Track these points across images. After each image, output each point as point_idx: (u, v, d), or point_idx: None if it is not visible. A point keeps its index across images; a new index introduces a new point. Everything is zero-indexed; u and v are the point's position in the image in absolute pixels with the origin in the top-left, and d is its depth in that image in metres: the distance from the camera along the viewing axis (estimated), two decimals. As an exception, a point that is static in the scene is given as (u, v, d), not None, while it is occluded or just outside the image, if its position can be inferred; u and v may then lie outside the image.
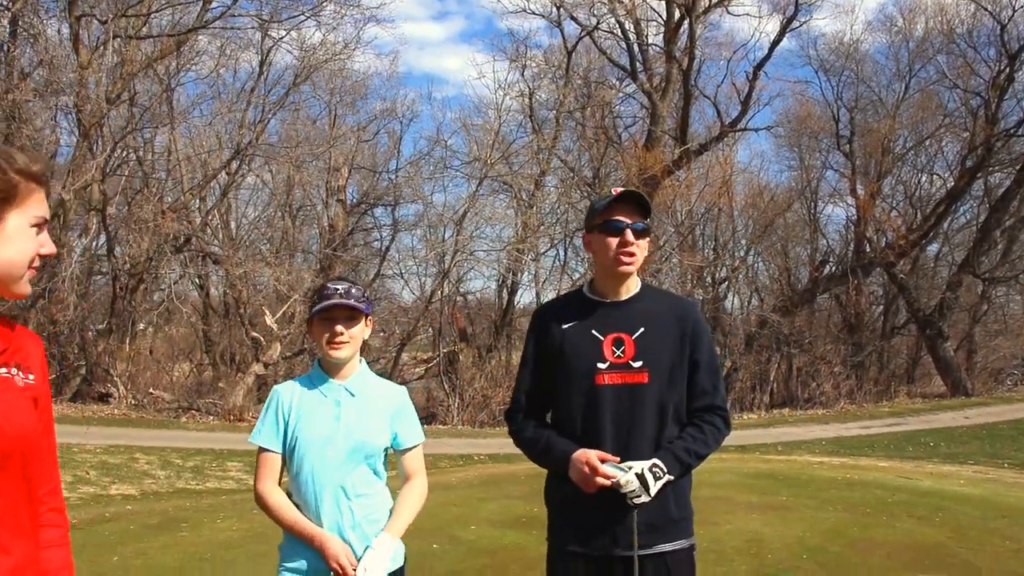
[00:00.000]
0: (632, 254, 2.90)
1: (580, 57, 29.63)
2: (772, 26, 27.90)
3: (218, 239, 27.31)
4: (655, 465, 2.77)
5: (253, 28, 22.95)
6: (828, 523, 7.73)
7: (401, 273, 32.03)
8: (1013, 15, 28.29)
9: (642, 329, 2.91)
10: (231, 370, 26.08)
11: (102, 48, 19.90)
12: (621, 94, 30.36)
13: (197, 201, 25.42)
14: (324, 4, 22.90)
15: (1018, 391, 31.22)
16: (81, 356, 22.84)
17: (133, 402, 22.57)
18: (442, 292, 27.13)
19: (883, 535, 7.28)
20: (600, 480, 2.73)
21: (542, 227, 27.33)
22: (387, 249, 31.53)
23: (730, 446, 18.08)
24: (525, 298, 30.76)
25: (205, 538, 7.70)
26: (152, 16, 22.19)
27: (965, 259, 30.20)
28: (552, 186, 29.38)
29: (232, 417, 20.79)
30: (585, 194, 28.34)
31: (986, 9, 28.96)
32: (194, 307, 30.98)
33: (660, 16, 28.04)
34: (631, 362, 2.89)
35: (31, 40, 21.13)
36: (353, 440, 2.87)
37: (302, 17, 23.05)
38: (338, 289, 2.95)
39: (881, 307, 34.00)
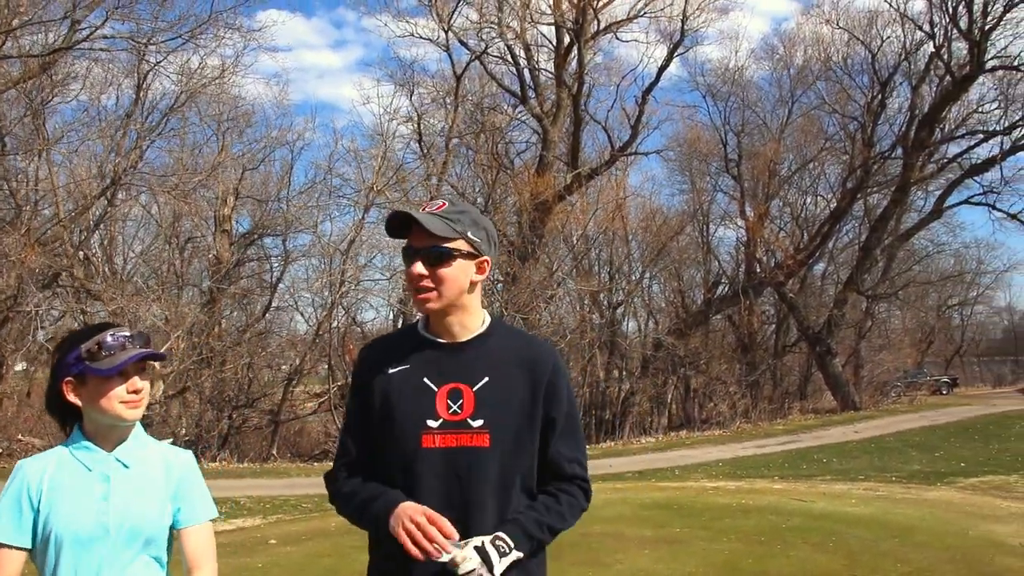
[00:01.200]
0: (427, 288, 2.31)
1: (473, 83, 29.48)
2: (660, 52, 28.27)
3: (99, 273, 25.93)
4: (498, 539, 2.22)
5: (124, 51, 21.88)
6: (722, 556, 7.45)
7: (295, 305, 31.10)
8: (882, 44, 29.54)
9: (486, 379, 2.33)
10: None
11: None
12: (513, 120, 30.25)
13: (76, 233, 24.04)
14: (201, 28, 21.89)
15: (901, 403, 32.33)
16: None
17: (1, 450, 21.04)
18: (331, 324, 26.25)
19: (778, 567, 7.02)
20: (425, 546, 2.14)
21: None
22: (278, 280, 30.67)
23: (627, 472, 17.90)
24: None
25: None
26: (17, 36, 20.91)
27: (849, 277, 31.12)
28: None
29: (106, 462, 19.44)
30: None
31: (859, 39, 30.10)
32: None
33: (550, 41, 28.11)
34: (469, 420, 2.30)
35: None
36: (128, 524, 2.29)
37: (179, 40, 22.07)
38: (127, 336, 2.38)
39: (773, 326, 34.69)
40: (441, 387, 2.32)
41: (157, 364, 2.50)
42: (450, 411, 2.30)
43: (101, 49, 20.98)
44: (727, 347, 33.55)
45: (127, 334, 2.39)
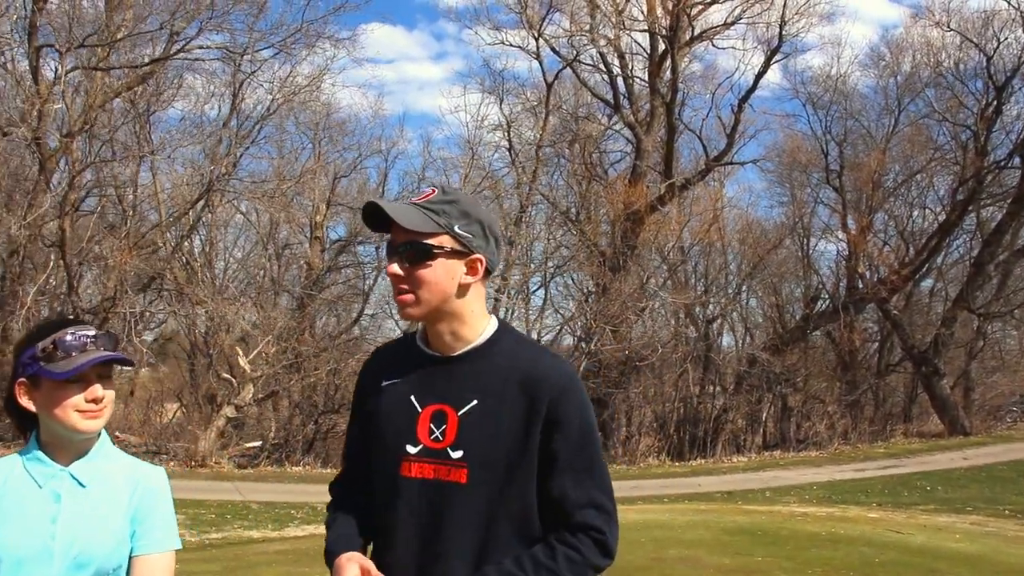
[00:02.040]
0: (404, 291, 2.00)
1: (566, 91, 29.17)
2: (757, 59, 27.33)
3: (196, 278, 26.57)
4: None
5: (217, 60, 22.33)
6: (804, 592, 6.83)
7: (390, 312, 31.27)
8: (999, 47, 27.83)
9: (474, 402, 2.00)
10: (211, 412, 25.18)
11: (61, 80, 19.19)
12: (607, 129, 29.82)
13: (172, 238, 24.67)
14: (293, 38, 22.21)
15: (1018, 429, 30.35)
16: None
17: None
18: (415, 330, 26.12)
19: (865, 607, 6.37)
20: None
21: (517, 263, 26.51)
22: (371, 288, 30.98)
23: (716, 492, 17.18)
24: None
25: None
26: (120, 48, 21.56)
27: (959, 294, 29.39)
28: (541, 223, 28.69)
29: (193, 463, 19.79)
30: (567, 229, 27.68)
31: (972, 42, 28.47)
32: (180, 347, 30.17)
33: (644, 49, 27.53)
34: (449, 450, 1.98)
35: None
36: (76, 551, 2.00)
37: (272, 50, 22.44)
38: (90, 336, 2.07)
39: (875, 344, 33.15)
40: (426, 408, 2.02)
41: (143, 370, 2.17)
42: (431, 436, 2.00)
43: (196, 59, 21.37)
44: (826, 365, 32.21)
45: (90, 334, 2.08)
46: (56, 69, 19.54)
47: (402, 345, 2.20)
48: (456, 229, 1.99)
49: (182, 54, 21.11)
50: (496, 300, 26.89)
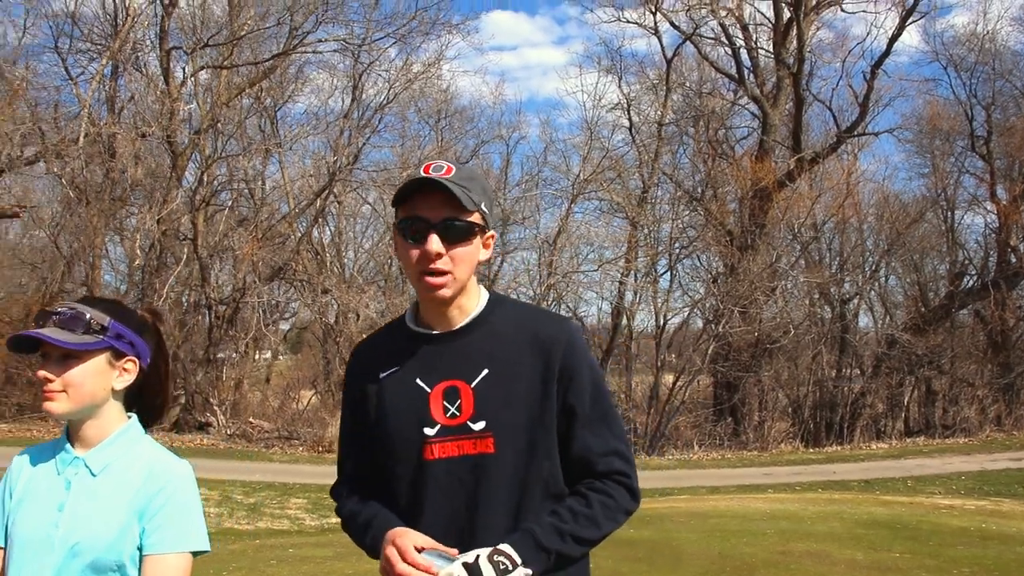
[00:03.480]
0: (442, 272, 1.94)
1: (690, 69, 28.37)
2: (891, 21, 25.75)
3: (325, 268, 27.20)
4: (499, 552, 1.84)
5: (335, 51, 22.65)
6: (948, 595, 6.20)
7: (517, 298, 31.19)
8: None
9: (485, 371, 1.98)
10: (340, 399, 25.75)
11: (190, 79, 19.88)
12: (731, 104, 28.80)
13: (300, 229, 25.31)
14: (407, 26, 22.31)
15: None
16: (181, 385, 22.76)
17: (234, 431, 22.36)
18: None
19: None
20: (405, 571, 1.83)
21: (642, 245, 25.93)
22: (496, 274, 31.08)
23: (852, 481, 16.29)
24: (645, 322, 29.20)
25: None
26: (243, 46, 22.16)
27: None
28: (666, 203, 27.99)
29: (321, 448, 20.21)
30: (693, 208, 26.88)
31: None
32: (314, 335, 31.08)
33: (768, 19, 26.40)
34: (470, 423, 1.95)
35: (128, 76, 21.48)
36: (75, 541, 1.91)
37: (388, 40, 22.60)
38: (53, 313, 1.96)
39: (1031, 322, 30.92)
40: (435, 386, 1.99)
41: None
42: (448, 414, 1.97)
43: (315, 52, 21.73)
44: (975, 346, 30.19)
45: (56, 310, 1.98)
46: (184, 70, 20.20)
47: (389, 332, 2.17)
48: (483, 206, 1.99)
49: (301, 48, 21.41)
50: (622, 284, 26.45)
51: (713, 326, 24.95)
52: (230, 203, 25.36)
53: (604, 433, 2.02)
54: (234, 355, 23.52)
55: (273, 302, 24.36)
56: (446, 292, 1.96)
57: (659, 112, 26.59)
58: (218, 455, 18.96)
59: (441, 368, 1.99)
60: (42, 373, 1.95)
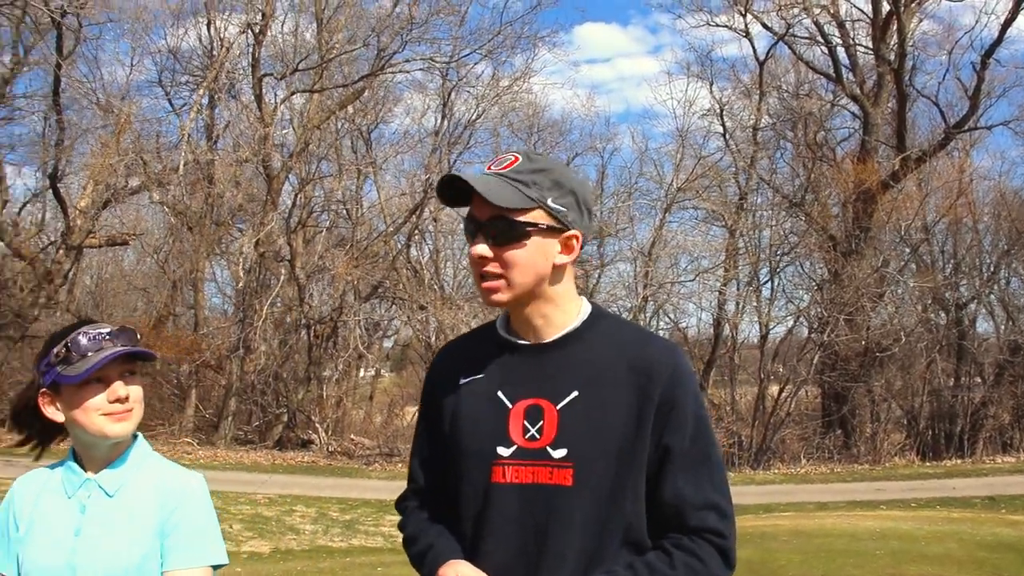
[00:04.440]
0: (494, 275, 1.77)
1: (784, 71, 27.61)
2: (1003, 6, 24.42)
3: (423, 285, 27.51)
4: None
5: (422, 70, 22.94)
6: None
7: (617, 310, 31.04)
8: None
9: (574, 394, 1.76)
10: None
11: (281, 105, 20.45)
12: (830, 104, 27.88)
13: (396, 248, 25.69)
14: (494, 41, 22.42)
15: None
16: (282, 404, 23.32)
17: (335, 448, 22.74)
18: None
19: None
20: None
21: (743, 252, 25.31)
22: (595, 286, 30.94)
23: (974, 497, 15.33)
24: (747, 332, 28.50)
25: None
26: (335, 68, 22.69)
27: None
28: (765, 210, 27.31)
29: (417, 465, 20.31)
30: (793, 214, 26.10)
31: None
32: (416, 352, 31.52)
33: (865, 14, 25.43)
34: (549, 449, 1.75)
35: (224, 104, 22.28)
36: (100, 567, 1.88)
37: (475, 56, 22.78)
38: (104, 333, 1.93)
39: None
40: (517, 403, 1.79)
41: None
42: (527, 435, 1.77)
43: (401, 72, 22.04)
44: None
45: (105, 331, 1.94)
46: (275, 96, 20.80)
47: (478, 337, 1.97)
48: (550, 203, 1.76)
49: (389, 69, 21.76)
50: (720, 293, 25.87)
51: (818, 335, 24.13)
52: (328, 224, 25.96)
53: (702, 481, 1.77)
54: (335, 373, 23.94)
55: (372, 320, 24.71)
56: (500, 297, 1.78)
57: (754, 116, 25.93)
58: (318, 472, 19.28)
59: (527, 383, 1.80)
60: (122, 392, 1.92)
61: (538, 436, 1.75)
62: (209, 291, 30.76)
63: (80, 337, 1.92)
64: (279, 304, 23.42)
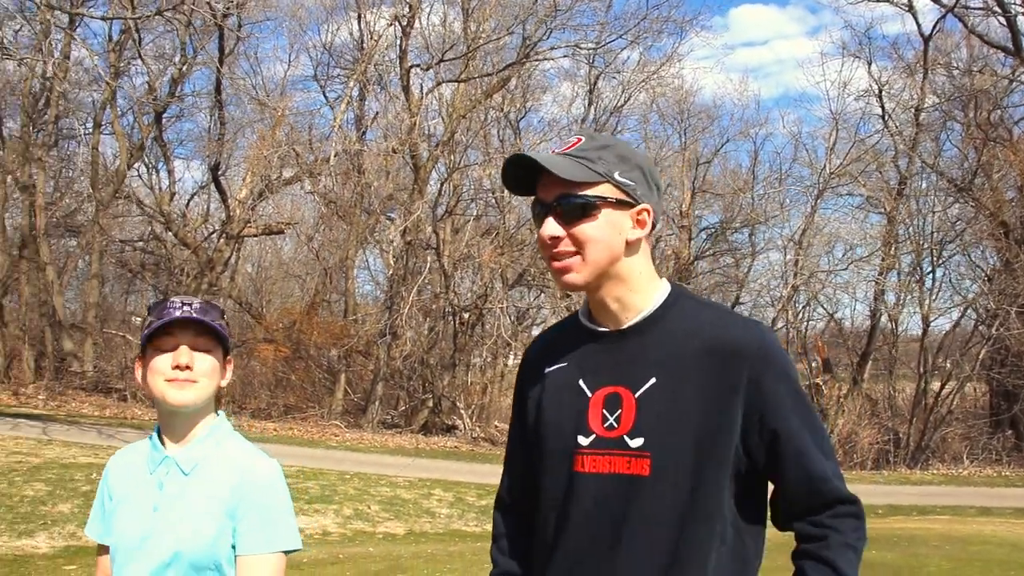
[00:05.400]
0: (567, 253, 1.73)
1: (956, 47, 25.93)
2: None
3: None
4: None
5: (567, 57, 22.84)
6: None
7: (771, 300, 30.25)
8: None
9: (653, 380, 1.72)
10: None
11: (428, 95, 20.85)
12: (1010, 80, 25.92)
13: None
14: (640, 26, 22.04)
15: None
16: (428, 389, 23.87)
17: (478, 435, 23.11)
18: (788, 319, 24.76)
19: None
20: None
21: (904, 240, 23.96)
22: (745, 276, 30.17)
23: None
24: (906, 323, 27.05)
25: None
26: (481, 58, 22.92)
27: None
28: (930, 195, 25.80)
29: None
30: (961, 200, 24.50)
31: None
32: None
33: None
34: (627, 438, 1.71)
35: (373, 96, 22.94)
36: (172, 543, 1.92)
37: (623, 43, 22.50)
38: (182, 304, 1.98)
39: None
40: (597, 391, 1.76)
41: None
42: (605, 424, 1.74)
43: (546, 59, 22.00)
44: None
45: (187, 302, 1.98)
46: (422, 86, 21.21)
47: (564, 326, 1.94)
48: (617, 176, 1.72)
49: (534, 57, 21.78)
50: (877, 283, 24.64)
51: (987, 328, 22.64)
52: (476, 213, 26.33)
53: (816, 454, 1.72)
54: (480, 360, 24.28)
55: (519, 308, 24.91)
56: (575, 278, 1.73)
57: (916, 96, 24.44)
58: (460, 457, 19.61)
59: (606, 371, 1.76)
60: (184, 359, 1.94)
61: (616, 425, 1.72)
62: (362, 279, 31.90)
63: (166, 304, 1.97)
64: (427, 291, 23.94)
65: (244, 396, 23.40)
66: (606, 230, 1.71)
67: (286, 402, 22.98)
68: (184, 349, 1.93)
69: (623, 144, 1.80)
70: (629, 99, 24.36)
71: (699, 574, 1.68)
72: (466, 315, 23.62)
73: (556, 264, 1.73)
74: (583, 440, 1.74)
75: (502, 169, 1.78)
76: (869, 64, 25.13)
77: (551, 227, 1.71)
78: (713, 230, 30.87)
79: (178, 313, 1.93)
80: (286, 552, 1.96)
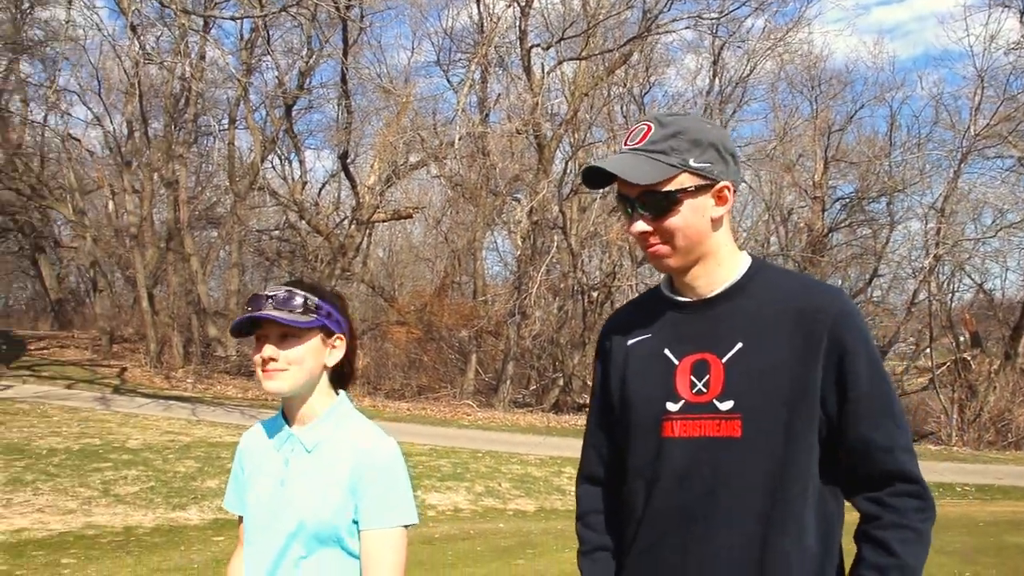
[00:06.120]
0: (656, 243, 1.82)
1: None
2: None
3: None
4: None
5: (689, 28, 22.27)
6: None
7: (912, 272, 28.96)
8: None
9: (739, 345, 1.78)
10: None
11: (549, 74, 20.77)
12: None
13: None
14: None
15: None
16: (558, 368, 23.91)
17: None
18: (930, 291, 23.57)
19: None
20: None
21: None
22: (884, 247, 28.93)
23: None
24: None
25: (530, 570, 7.06)
26: (602, 34, 22.68)
27: None
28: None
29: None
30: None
31: None
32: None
33: None
34: (716, 402, 1.77)
35: (495, 78, 22.99)
36: (298, 516, 2.02)
37: (747, 9, 21.76)
38: (268, 296, 2.04)
39: None
40: (683, 358, 1.83)
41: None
42: (694, 390, 1.80)
43: (668, 32, 21.55)
44: None
45: (269, 293, 2.05)
46: (543, 66, 21.13)
47: (644, 300, 2.01)
48: (692, 163, 1.77)
49: (655, 30, 21.37)
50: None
51: None
52: (603, 191, 26.10)
53: (886, 423, 1.73)
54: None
55: (648, 286, 24.69)
56: (670, 263, 1.83)
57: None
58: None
59: (691, 339, 1.83)
60: (267, 353, 2.02)
61: (705, 390, 1.77)
62: (490, 260, 32.17)
63: (251, 299, 2.05)
64: (555, 271, 23.94)
65: (379, 377, 24.02)
66: (691, 217, 1.78)
67: (419, 383, 23.45)
68: (268, 346, 2.02)
69: (694, 123, 1.81)
70: (755, 68, 23.65)
71: (796, 534, 1.71)
72: (595, 293, 23.51)
73: (651, 250, 1.82)
74: (672, 406, 1.79)
75: (582, 177, 1.85)
76: (1021, 14, 23.52)
77: (639, 225, 1.79)
78: (848, 200, 29.80)
79: (252, 310, 2.00)
80: (405, 527, 2.03)
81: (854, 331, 1.74)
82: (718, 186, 1.80)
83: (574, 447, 16.68)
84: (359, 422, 2.11)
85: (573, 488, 7.90)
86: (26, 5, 25.45)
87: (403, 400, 21.89)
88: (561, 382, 23.36)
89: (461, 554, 7.82)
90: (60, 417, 15.42)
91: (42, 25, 26.64)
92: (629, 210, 1.81)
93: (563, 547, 8.18)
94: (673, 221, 1.77)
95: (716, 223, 1.82)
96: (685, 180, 1.77)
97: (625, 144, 1.82)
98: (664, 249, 1.80)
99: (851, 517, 1.77)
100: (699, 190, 1.78)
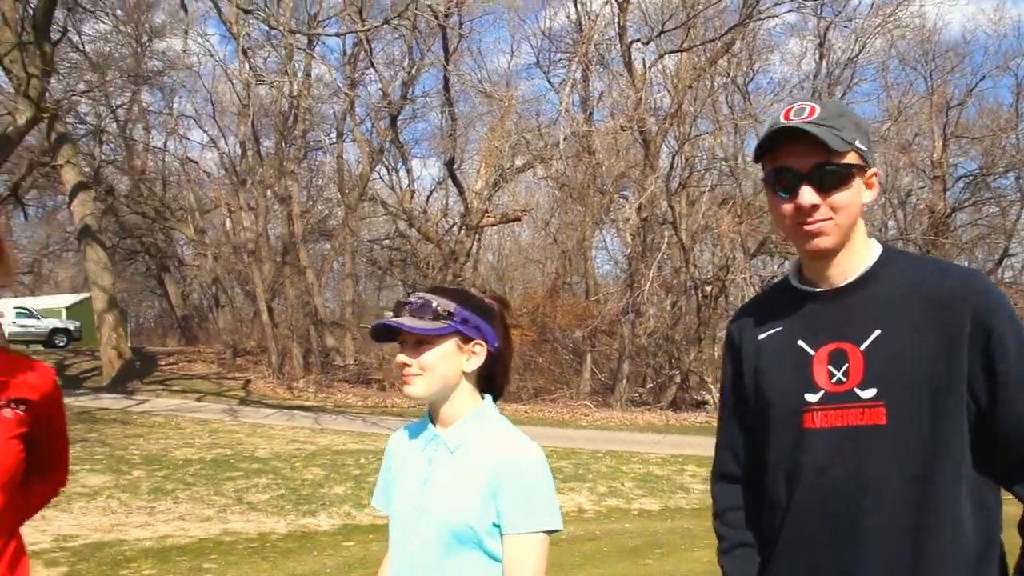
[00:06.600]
0: (820, 220, 1.75)
1: None
2: None
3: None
4: None
5: (792, 11, 21.66)
6: None
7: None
8: None
9: (877, 332, 1.74)
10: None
11: (650, 69, 20.53)
12: None
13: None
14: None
15: None
16: (675, 365, 23.61)
17: (729, 410, 22.64)
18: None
19: None
20: None
21: None
22: (1014, 224, 27.60)
23: None
24: None
25: (659, 570, 6.97)
26: (703, 25, 22.30)
27: None
28: None
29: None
30: None
31: None
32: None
33: None
34: (857, 390, 1.72)
35: (596, 76, 22.88)
36: (439, 516, 2.05)
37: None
38: (406, 303, 2.12)
39: None
40: (819, 349, 1.79)
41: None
42: (833, 380, 1.76)
43: (770, 16, 21.06)
44: None
45: (411, 300, 2.12)
46: (644, 60, 20.92)
47: (772, 293, 2.00)
48: (857, 143, 1.76)
49: (758, 16, 20.90)
50: None
51: None
52: (711, 183, 25.69)
53: None
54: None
55: (763, 277, 24.17)
56: (827, 241, 1.77)
57: None
58: (712, 432, 19.08)
59: (826, 329, 1.79)
60: (401, 358, 2.09)
61: (844, 379, 1.74)
62: (600, 259, 32.02)
63: (398, 302, 2.11)
64: (667, 267, 23.66)
65: (495, 381, 24.13)
66: (855, 196, 1.75)
67: (535, 384, 23.49)
68: (402, 354, 2.08)
69: (848, 109, 1.82)
70: (864, 47, 22.81)
71: (951, 524, 1.65)
72: (708, 288, 23.10)
73: (809, 228, 1.75)
74: (811, 397, 1.75)
75: (764, 137, 1.77)
76: None
77: (809, 195, 1.72)
78: (972, 178, 28.60)
79: (380, 321, 2.07)
80: (548, 532, 2.02)
81: (998, 311, 1.69)
82: (870, 171, 1.80)
83: (695, 444, 16.43)
84: (502, 427, 2.12)
85: (696, 486, 7.85)
86: (145, 38, 26.63)
87: (520, 403, 21.95)
88: (678, 379, 23.03)
89: (588, 555, 7.81)
90: (192, 429, 16.03)
91: (159, 56, 27.87)
92: (785, 187, 1.76)
93: (691, 546, 8.05)
94: (842, 195, 1.74)
95: (861, 208, 1.80)
96: (853, 158, 1.75)
97: (787, 117, 1.76)
98: (828, 225, 1.75)
99: (1011, 510, 1.67)
100: (860, 171, 1.77)
